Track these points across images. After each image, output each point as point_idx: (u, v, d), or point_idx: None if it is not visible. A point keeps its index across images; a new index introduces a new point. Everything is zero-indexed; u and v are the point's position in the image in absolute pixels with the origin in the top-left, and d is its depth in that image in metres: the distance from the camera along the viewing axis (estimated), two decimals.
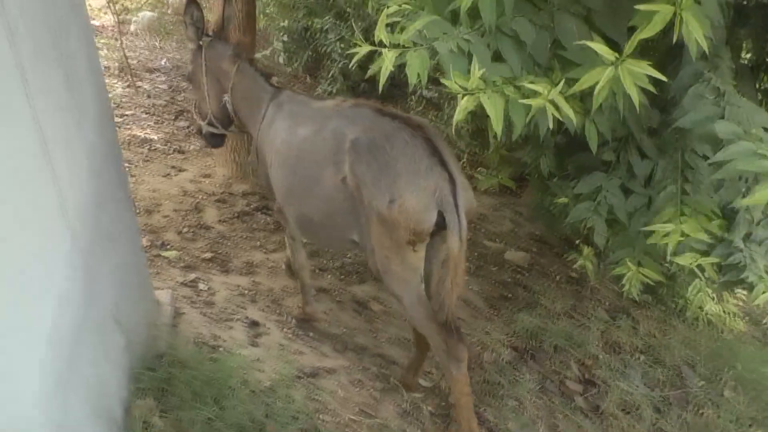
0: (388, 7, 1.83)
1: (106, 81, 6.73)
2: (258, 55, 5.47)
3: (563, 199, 2.46)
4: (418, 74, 1.58)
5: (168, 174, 4.37)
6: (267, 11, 5.51)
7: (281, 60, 5.65)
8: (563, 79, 1.59)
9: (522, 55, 1.67)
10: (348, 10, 5.18)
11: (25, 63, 1.50)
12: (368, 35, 5.64)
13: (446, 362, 2.20)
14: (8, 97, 1.43)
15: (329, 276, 3.54)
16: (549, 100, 1.56)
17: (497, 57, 1.70)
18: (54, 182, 1.65)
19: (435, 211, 2.00)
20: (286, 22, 5.59)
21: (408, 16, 1.82)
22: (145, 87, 6.59)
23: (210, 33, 2.87)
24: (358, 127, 2.19)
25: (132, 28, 8.05)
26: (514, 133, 1.69)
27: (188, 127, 5.36)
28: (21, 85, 1.48)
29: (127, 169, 4.38)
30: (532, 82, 1.61)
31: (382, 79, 1.67)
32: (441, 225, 2.03)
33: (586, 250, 3.23)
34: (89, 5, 9.50)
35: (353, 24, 5.54)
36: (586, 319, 3.43)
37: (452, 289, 2.08)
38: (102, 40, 7.93)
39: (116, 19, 6.43)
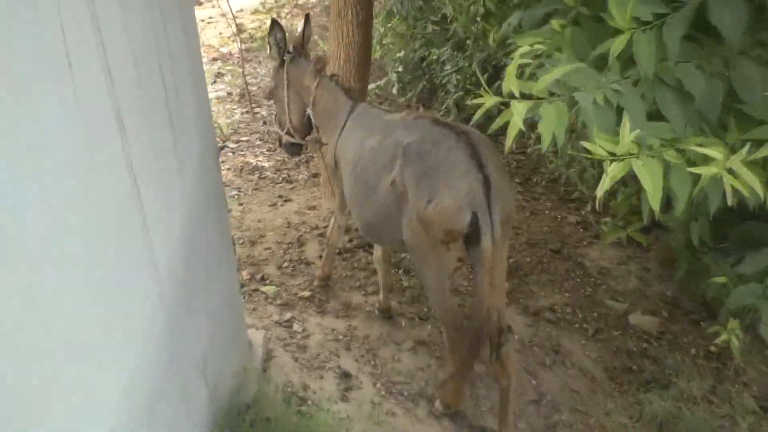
0: (518, 47, 1.58)
1: (227, 107, 6.99)
2: (372, 86, 5.39)
3: (721, 279, 2.05)
4: (554, 133, 1.30)
5: (275, 204, 4.34)
6: (384, 41, 5.43)
7: (395, 91, 5.54)
8: (745, 144, 1.24)
9: (687, 111, 1.34)
10: (468, 42, 4.96)
11: (122, 105, 1.40)
12: (486, 67, 5.39)
13: (451, 354, 2.42)
14: (99, 141, 1.33)
15: (429, 326, 3.28)
16: (727, 168, 1.22)
17: (654, 111, 1.38)
18: (144, 233, 1.54)
19: (469, 212, 2.08)
20: (402, 52, 5.48)
21: (541, 59, 1.55)
22: (263, 113, 6.75)
23: (291, 50, 3.02)
24: (413, 135, 2.34)
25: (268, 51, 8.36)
26: (676, 209, 1.35)
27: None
28: (117, 129, 1.38)
29: (236, 196, 4.42)
30: (701, 145, 1.27)
31: (510, 138, 1.41)
32: (477, 227, 2.11)
33: (732, 322, 2.73)
34: (219, 33, 10.08)
35: (472, 55, 5.33)
36: (730, 407, 2.89)
37: (491, 290, 2.16)
38: (227, 67, 8.31)
39: (240, 47, 6.64)
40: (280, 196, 4.47)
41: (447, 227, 2.13)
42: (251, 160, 5.23)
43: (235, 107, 7.08)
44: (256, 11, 11.05)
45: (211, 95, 7.66)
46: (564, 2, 1.62)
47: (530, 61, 1.60)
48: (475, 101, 1.50)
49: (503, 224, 2.14)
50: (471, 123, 1.87)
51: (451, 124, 2.39)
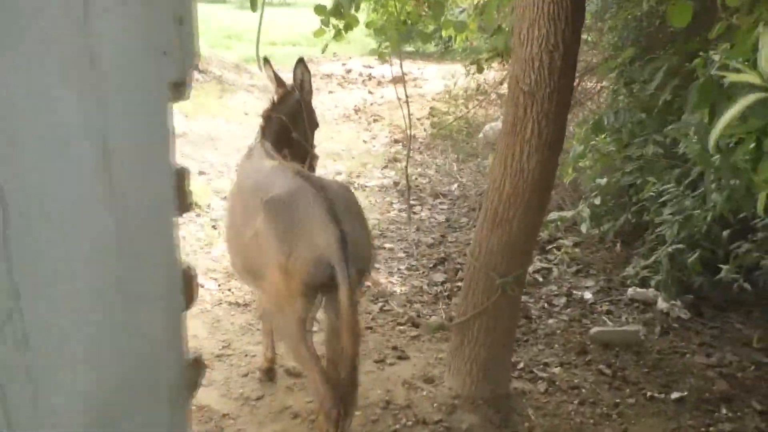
0: None
1: (387, 199, 6.13)
2: (553, 215, 4.08)
3: None
4: None
5: (383, 359, 3.20)
6: (580, 163, 4.12)
7: (583, 229, 4.15)
8: None
9: None
10: (706, 181, 3.46)
11: None
12: (734, 220, 3.75)
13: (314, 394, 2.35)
14: None
15: None
16: None
17: None
18: None
19: (327, 265, 2.18)
20: (605, 179, 4.10)
21: None
22: (422, 215, 5.77)
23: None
24: (275, 187, 2.43)
25: (481, 136, 7.53)
26: None
27: (443, 283, 4.21)
28: None
29: None
30: None
31: None
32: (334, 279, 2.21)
33: None
34: (411, 114, 9.52)
35: (707, 198, 3.77)
36: None
37: (348, 339, 2.18)
38: (412, 153, 7.59)
39: (409, 134, 5.80)
40: (394, 348, 3.32)
41: (306, 280, 2.22)
42: (381, 280, 4.20)
43: (394, 201, 6.22)
44: (454, 97, 10.41)
45: (375, 182, 6.92)
46: None
47: None
48: None
49: (360, 274, 2.27)
50: None
51: (310, 176, 2.52)
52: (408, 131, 5.59)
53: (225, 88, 11.61)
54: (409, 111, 5.40)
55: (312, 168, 3.28)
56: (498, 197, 2.65)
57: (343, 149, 7.94)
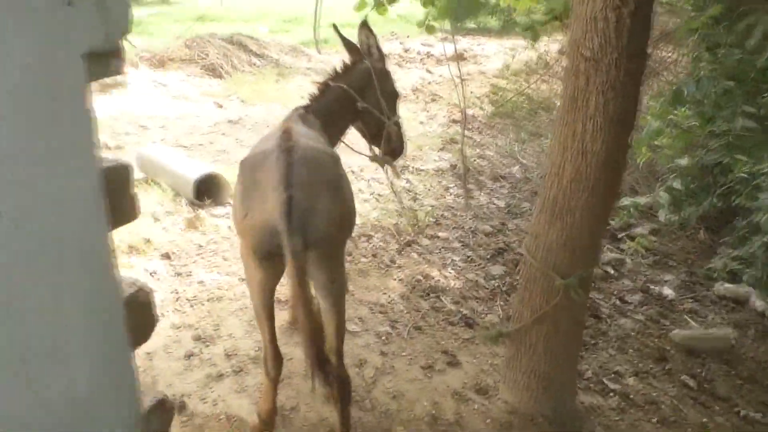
0: None
1: (443, 183, 5.78)
2: (626, 201, 3.61)
3: None
4: None
5: (431, 365, 2.89)
6: (657, 141, 3.61)
7: (661, 215, 3.65)
8: None
9: None
10: None
11: None
12: None
13: (264, 361, 2.39)
14: None
15: None
16: None
17: None
18: None
19: (273, 230, 2.06)
20: (686, 159, 3.58)
21: None
22: (481, 200, 5.38)
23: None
24: (256, 148, 2.38)
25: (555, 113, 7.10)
26: None
27: (501, 276, 3.85)
28: None
29: (383, 338, 3.09)
30: None
31: None
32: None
33: None
34: (470, 92, 9.05)
35: None
36: None
37: (297, 305, 2.07)
38: (471, 133, 7.17)
39: (463, 112, 5.39)
40: (444, 352, 3.00)
41: (254, 244, 2.16)
42: (434, 273, 3.87)
43: (451, 185, 5.85)
44: (515, 72, 9.84)
45: (432, 165, 6.57)
46: None
47: None
48: None
49: (314, 247, 2.08)
50: None
51: (286, 138, 2.21)
52: (462, 108, 5.20)
53: (282, 72, 11.51)
54: (463, 88, 5.01)
55: (392, 142, 3.03)
56: (557, 183, 2.27)
57: None
